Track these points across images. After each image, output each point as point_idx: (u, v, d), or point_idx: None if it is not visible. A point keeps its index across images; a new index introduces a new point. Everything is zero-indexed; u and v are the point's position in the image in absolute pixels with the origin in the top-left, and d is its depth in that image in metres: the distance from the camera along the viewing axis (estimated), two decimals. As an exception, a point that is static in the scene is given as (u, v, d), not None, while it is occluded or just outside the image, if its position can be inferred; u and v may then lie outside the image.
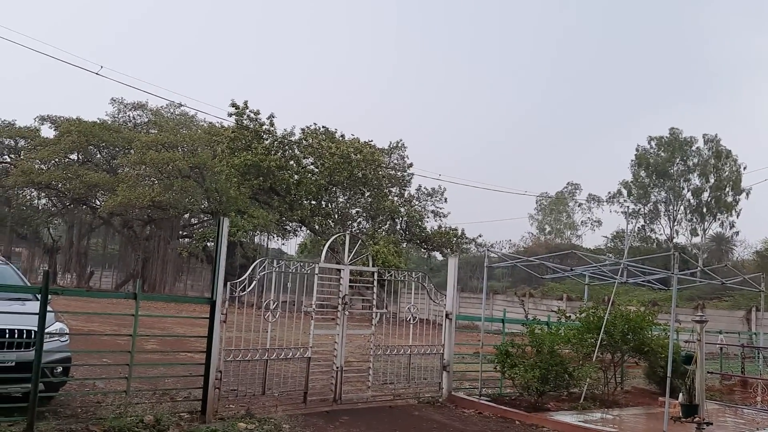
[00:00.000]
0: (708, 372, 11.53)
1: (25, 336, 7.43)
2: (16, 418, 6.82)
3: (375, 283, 10.71)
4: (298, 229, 43.30)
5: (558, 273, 13.64)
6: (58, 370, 7.73)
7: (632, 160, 53.15)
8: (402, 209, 39.96)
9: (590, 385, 11.45)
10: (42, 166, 44.25)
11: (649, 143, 52.67)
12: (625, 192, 53.69)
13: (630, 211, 52.55)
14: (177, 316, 14.32)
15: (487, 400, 10.88)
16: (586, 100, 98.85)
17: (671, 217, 52.52)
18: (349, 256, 10.20)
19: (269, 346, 9.04)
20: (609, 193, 55.40)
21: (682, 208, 52.12)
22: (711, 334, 17.35)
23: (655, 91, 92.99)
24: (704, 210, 50.92)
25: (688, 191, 51.76)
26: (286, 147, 37.54)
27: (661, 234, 53.08)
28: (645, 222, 53.37)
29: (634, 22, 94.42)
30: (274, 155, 35.89)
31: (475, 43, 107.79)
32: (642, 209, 53.18)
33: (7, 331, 7.38)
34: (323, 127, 38.29)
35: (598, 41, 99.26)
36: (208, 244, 41.42)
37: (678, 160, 51.41)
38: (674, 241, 50.93)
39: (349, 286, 10.13)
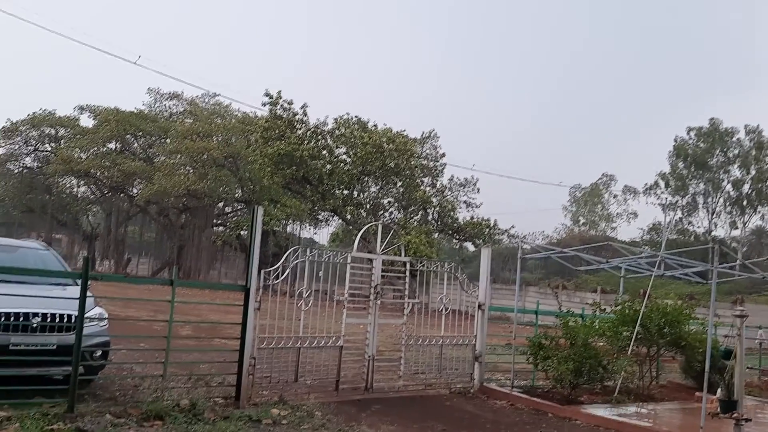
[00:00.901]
0: (747, 367, 11.29)
1: (65, 320, 7.61)
2: (57, 399, 7.00)
3: (407, 273, 10.71)
4: (330, 218, 43.46)
5: (593, 265, 13.46)
6: (98, 354, 7.91)
7: (670, 151, 52.08)
8: (434, 199, 39.80)
9: (625, 378, 11.30)
10: (81, 154, 45.25)
11: (687, 134, 51.52)
12: (662, 183, 52.66)
13: (667, 203, 51.58)
14: (212, 303, 14.44)
15: (519, 392, 10.82)
16: (623, 90, 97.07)
17: (710, 209, 51.42)
18: (381, 246, 10.21)
19: (302, 334, 9.11)
20: (645, 184, 54.42)
21: (721, 200, 50.98)
22: (751, 329, 16.95)
23: (696, 81, 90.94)
24: (744, 202, 49.72)
25: (728, 183, 50.58)
26: (319, 136, 37.65)
27: (699, 227, 52.04)
28: (683, 214, 52.36)
29: (675, 10, 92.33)
30: (307, 145, 36.03)
31: (511, 31, 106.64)
32: (680, 201, 52.15)
33: (49, 315, 7.57)
34: (356, 116, 38.30)
35: (638, 30, 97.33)
36: (242, 232, 41.87)
37: (718, 151, 50.19)
38: (713, 234, 49.87)
39: (381, 275, 10.15)
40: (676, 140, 51.81)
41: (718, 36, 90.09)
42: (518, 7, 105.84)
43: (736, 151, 50.02)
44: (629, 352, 11.42)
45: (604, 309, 13.10)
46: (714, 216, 51.30)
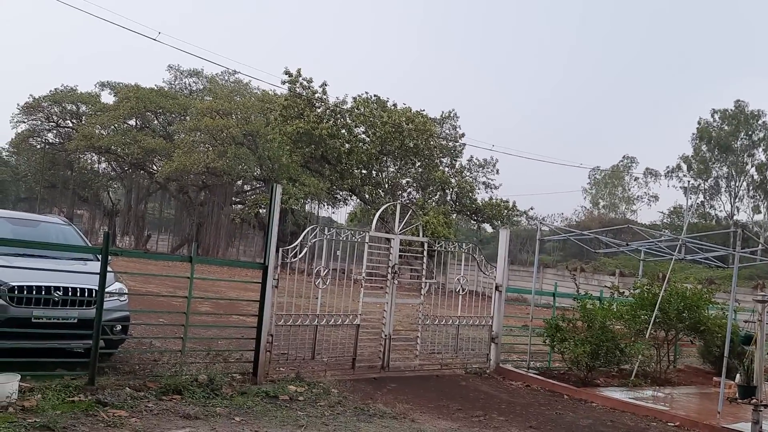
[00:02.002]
0: (767, 353, 11.18)
1: (86, 294, 7.71)
2: (78, 372, 7.12)
3: (425, 253, 10.70)
4: (349, 198, 43.52)
5: (612, 248, 13.35)
6: (118, 328, 8.02)
7: (693, 134, 51.27)
8: (453, 180, 39.64)
9: (642, 362, 11.25)
10: (102, 131, 45.62)
11: (712, 116, 50.67)
12: (684, 167, 51.96)
13: (689, 186, 50.94)
14: (230, 280, 14.62)
15: (535, 374, 10.83)
16: (646, 71, 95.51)
17: (732, 193, 50.69)
18: (399, 226, 10.20)
19: (319, 312, 9.16)
20: (667, 167, 53.72)
21: (744, 184, 50.24)
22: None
23: (721, 62, 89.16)
24: (769, 187, 48.98)
25: (752, 167, 49.78)
26: (338, 115, 37.56)
27: (720, 210, 51.37)
28: (705, 198, 51.68)
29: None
30: (325, 123, 35.98)
31: (532, 10, 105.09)
32: (702, 185, 51.45)
33: (70, 289, 7.67)
34: (375, 95, 38.10)
35: (661, 8, 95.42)
36: (261, 210, 42.05)
37: (743, 134, 49.34)
38: (735, 218, 49.24)
39: (399, 255, 10.15)
40: (699, 123, 50.99)
41: (745, 14, 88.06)
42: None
43: (762, 135, 49.13)
44: (647, 335, 11.36)
45: (623, 292, 13.02)
46: (737, 200, 50.61)
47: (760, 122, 49.13)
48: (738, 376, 8.66)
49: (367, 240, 9.81)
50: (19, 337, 7.21)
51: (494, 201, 40.02)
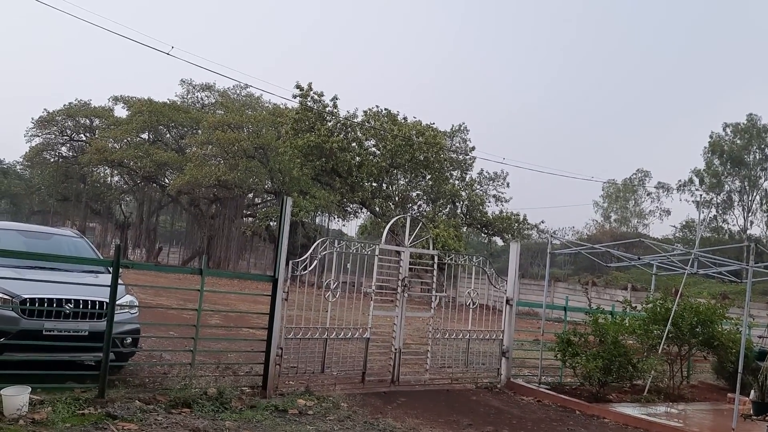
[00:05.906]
0: (782, 369, 11.04)
1: (97, 307, 7.74)
2: (88, 385, 7.13)
3: (435, 266, 10.67)
4: (359, 210, 43.60)
5: (624, 261, 13.27)
6: (128, 341, 8.03)
7: (705, 148, 51.07)
8: (463, 193, 39.67)
9: (655, 377, 11.14)
10: (115, 144, 46.04)
11: (724, 130, 50.47)
12: (696, 180, 51.71)
13: (702, 200, 50.64)
14: (240, 293, 14.61)
15: (546, 389, 10.73)
16: (660, 85, 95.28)
17: (745, 207, 50.35)
18: (409, 239, 10.18)
19: (329, 325, 9.14)
20: (679, 181, 53.45)
21: (757, 198, 49.91)
22: (786, 331, 16.52)
23: (734, 75, 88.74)
24: (782, 201, 48.62)
25: (765, 180, 49.48)
26: (349, 129, 37.74)
27: (733, 225, 51.02)
28: (717, 212, 51.35)
29: (714, 4, 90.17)
30: (336, 137, 36.16)
31: (547, 26, 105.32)
32: (714, 199, 51.14)
33: (81, 301, 7.71)
34: (385, 109, 38.29)
35: (674, 20, 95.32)
36: (271, 223, 42.16)
37: (755, 147, 49.09)
38: (748, 232, 48.86)
39: (409, 268, 10.12)
40: (711, 136, 50.82)
41: (759, 26, 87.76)
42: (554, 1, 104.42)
43: (774, 148, 48.87)
44: (660, 351, 11.25)
45: (635, 307, 12.92)
46: (750, 214, 50.26)
47: (772, 135, 48.86)
48: (752, 392, 8.56)
49: (377, 253, 9.79)
50: (30, 349, 7.24)
51: (505, 214, 39.98)
